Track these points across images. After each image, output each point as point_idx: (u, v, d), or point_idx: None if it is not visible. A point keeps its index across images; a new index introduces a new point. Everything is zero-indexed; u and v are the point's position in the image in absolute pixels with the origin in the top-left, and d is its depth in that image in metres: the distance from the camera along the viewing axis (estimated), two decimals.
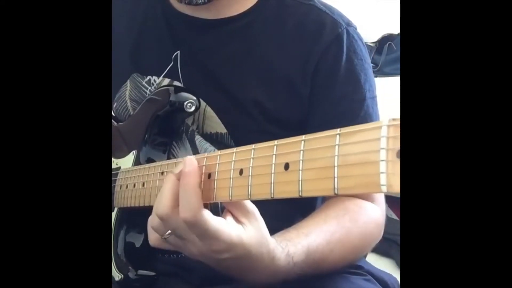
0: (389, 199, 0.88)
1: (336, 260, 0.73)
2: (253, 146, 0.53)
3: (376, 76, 0.99)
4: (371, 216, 0.81)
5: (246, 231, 0.59)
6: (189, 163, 0.58)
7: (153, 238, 0.66)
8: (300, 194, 0.45)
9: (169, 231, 0.62)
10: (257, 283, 0.67)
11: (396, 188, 0.37)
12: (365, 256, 0.90)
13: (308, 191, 0.45)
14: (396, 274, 0.80)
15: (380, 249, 1.95)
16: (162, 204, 0.60)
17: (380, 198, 0.85)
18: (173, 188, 0.59)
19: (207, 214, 0.57)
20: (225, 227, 0.58)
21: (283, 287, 0.70)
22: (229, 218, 0.60)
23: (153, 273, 0.84)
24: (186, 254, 0.65)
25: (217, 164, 0.58)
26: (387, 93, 1.30)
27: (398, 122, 0.37)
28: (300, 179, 0.45)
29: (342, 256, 0.74)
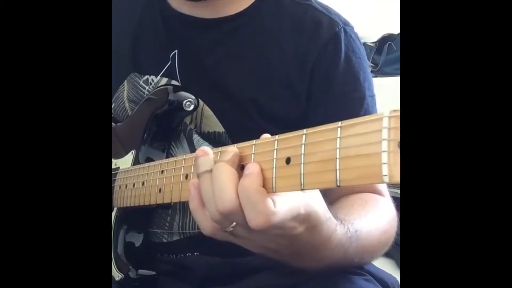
0: None
1: (373, 243, 0.72)
2: (254, 141, 0.53)
3: (376, 76, 1.00)
4: (386, 205, 0.81)
5: (313, 197, 0.55)
6: (252, 166, 0.52)
7: (210, 228, 0.57)
8: (302, 187, 0.45)
9: (234, 223, 0.55)
10: (322, 264, 0.65)
11: (398, 179, 0.37)
12: None
13: (310, 184, 0.45)
14: (396, 274, 0.80)
15: None
16: (226, 199, 0.52)
17: (387, 194, 0.85)
18: (234, 179, 0.52)
19: (278, 208, 0.51)
20: (296, 201, 0.53)
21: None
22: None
23: (153, 273, 0.84)
24: (249, 248, 0.60)
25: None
26: (387, 93, 1.30)
27: (399, 114, 0.37)
28: (302, 172, 0.45)
29: (377, 240, 0.73)
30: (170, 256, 0.88)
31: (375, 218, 0.74)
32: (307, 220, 0.55)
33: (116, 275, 0.83)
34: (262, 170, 0.50)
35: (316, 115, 0.85)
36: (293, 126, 0.84)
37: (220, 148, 0.58)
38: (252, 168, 0.51)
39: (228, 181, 0.52)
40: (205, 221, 0.57)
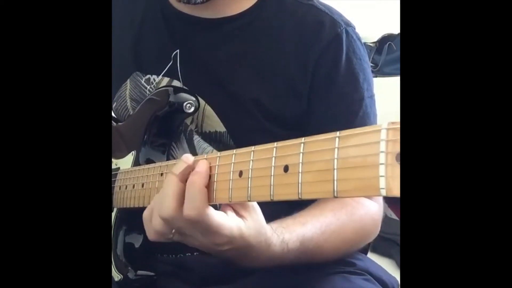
0: (389, 199, 0.87)
1: (329, 251, 0.76)
2: (252, 148, 0.53)
3: (376, 76, 1.00)
4: (368, 211, 0.82)
5: (246, 224, 0.62)
6: (202, 164, 0.60)
7: (153, 235, 0.67)
8: (300, 196, 0.45)
9: (173, 230, 0.64)
10: (254, 267, 0.72)
11: (395, 192, 0.37)
12: (365, 254, 0.90)
13: (308, 194, 0.45)
14: (396, 274, 0.80)
15: (380, 249, 1.95)
16: (166, 206, 0.61)
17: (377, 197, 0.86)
18: (176, 189, 0.60)
19: (210, 211, 0.59)
20: (226, 221, 0.60)
21: None
22: (230, 212, 0.61)
23: (152, 273, 0.84)
24: (187, 244, 0.68)
25: (217, 166, 0.58)
26: (387, 93, 1.29)
27: (398, 126, 0.37)
28: (300, 181, 0.46)
29: (336, 248, 0.77)
30: (169, 256, 0.88)
31: (341, 227, 0.77)
32: (231, 242, 0.61)
33: (115, 276, 0.83)
34: (261, 177, 0.51)
35: (316, 115, 0.86)
36: (294, 126, 0.85)
37: (205, 155, 0.63)
38: (201, 166, 0.60)
39: (171, 192, 0.60)
40: (149, 231, 0.67)
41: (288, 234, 0.69)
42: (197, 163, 0.61)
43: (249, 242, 0.63)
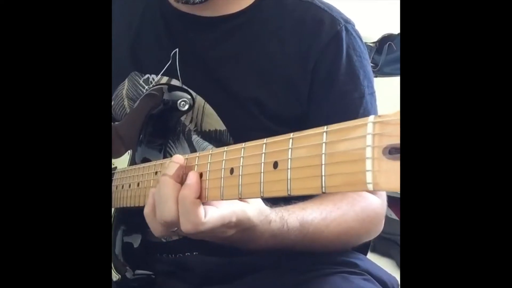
0: (389, 199, 0.87)
1: (330, 238, 0.76)
2: (243, 144, 0.53)
3: (376, 76, 0.99)
4: (370, 204, 0.82)
5: (249, 206, 0.62)
6: (191, 176, 0.60)
7: (159, 233, 0.66)
8: (289, 193, 0.45)
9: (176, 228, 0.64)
10: (258, 250, 0.72)
11: (382, 186, 0.36)
12: (365, 254, 0.89)
13: (297, 190, 0.45)
14: (396, 274, 0.80)
15: (380, 249, 1.95)
16: (167, 210, 0.60)
17: (380, 191, 0.85)
18: (174, 192, 0.60)
19: (208, 218, 0.58)
20: (227, 210, 0.60)
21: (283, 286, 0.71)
22: None
23: (151, 273, 0.84)
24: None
25: (208, 164, 0.58)
26: (387, 93, 1.29)
27: (383, 119, 0.37)
28: (289, 178, 0.45)
29: (337, 234, 0.77)
30: (169, 256, 0.88)
31: (341, 215, 0.77)
32: (238, 225, 0.62)
33: (114, 275, 0.83)
34: (251, 174, 0.51)
35: (317, 114, 0.85)
36: (295, 124, 0.85)
37: (197, 153, 0.62)
38: (191, 178, 0.59)
39: (170, 195, 0.60)
40: (154, 224, 0.65)
41: (286, 213, 0.70)
42: (187, 175, 0.60)
43: (253, 222, 0.63)
